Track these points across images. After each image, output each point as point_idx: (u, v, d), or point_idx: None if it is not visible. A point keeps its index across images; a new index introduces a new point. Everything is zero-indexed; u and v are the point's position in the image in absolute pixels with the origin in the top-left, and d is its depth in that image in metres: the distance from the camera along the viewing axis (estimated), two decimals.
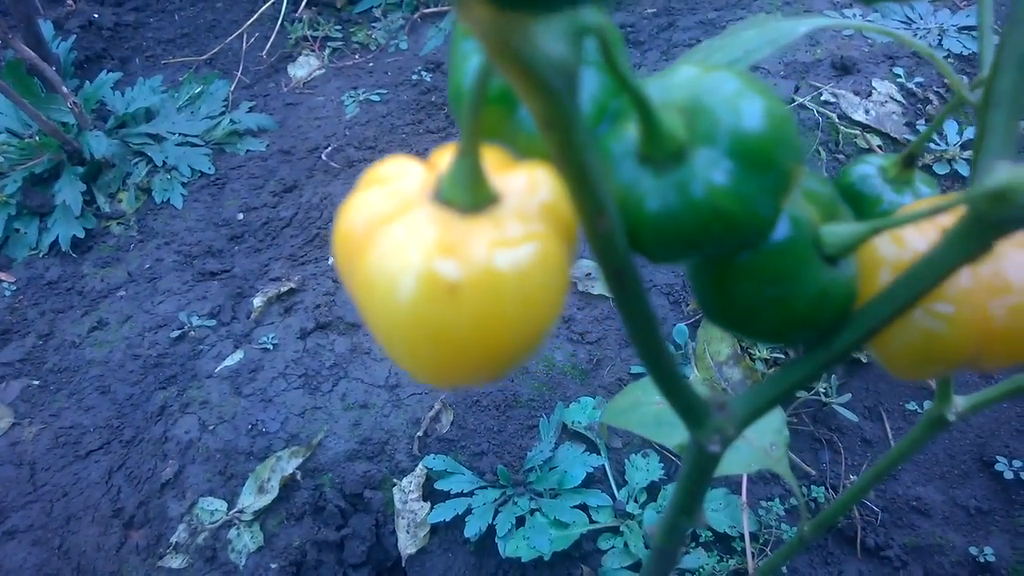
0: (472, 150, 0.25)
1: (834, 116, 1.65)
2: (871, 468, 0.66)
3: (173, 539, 1.12)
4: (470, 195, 0.26)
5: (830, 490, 1.20)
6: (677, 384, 0.37)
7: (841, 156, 1.61)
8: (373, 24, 2.15)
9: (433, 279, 0.24)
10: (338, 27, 2.14)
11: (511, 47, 0.19)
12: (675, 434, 0.71)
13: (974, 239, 0.28)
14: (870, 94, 1.69)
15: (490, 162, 0.28)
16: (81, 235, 1.61)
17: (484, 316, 0.25)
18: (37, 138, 1.69)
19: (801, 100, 1.67)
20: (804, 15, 0.43)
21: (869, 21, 1.83)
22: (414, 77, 1.93)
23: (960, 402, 0.59)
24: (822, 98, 1.69)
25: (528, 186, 0.28)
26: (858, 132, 1.62)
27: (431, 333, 0.25)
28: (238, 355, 1.32)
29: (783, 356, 1.28)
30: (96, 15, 2.19)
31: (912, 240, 0.35)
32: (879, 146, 1.61)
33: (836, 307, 0.33)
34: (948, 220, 0.31)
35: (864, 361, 1.33)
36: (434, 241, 0.25)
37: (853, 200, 0.44)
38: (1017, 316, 0.34)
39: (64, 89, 1.64)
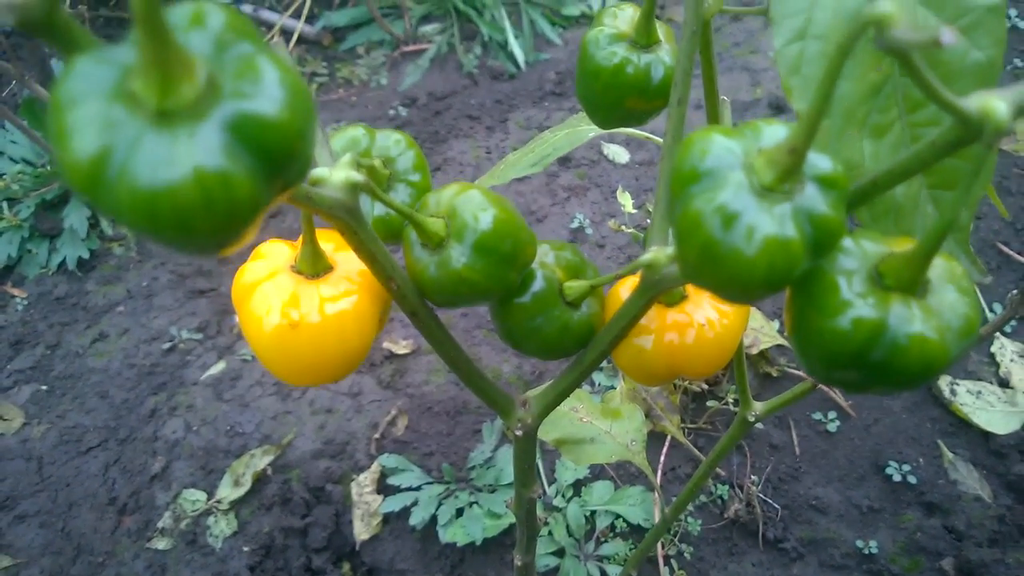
0: (310, 241, 0.43)
1: None
2: (704, 462, 0.83)
3: (160, 524, 1.29)
4: (311, 266, 0.43)
5: (735, 488, 1.36)
6: (486, 388, 0.54)
7: None
8: (357, 60, 2.34)
9: (283, 318, 0.42)
10: (324, 63, 2.33)
11: (308, 198, 0.37)
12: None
13: (644, 293, 0.46)
14: None
15: (336, 243, 0.46)
16: (86, 256, 1.79)
17: (313, 342, 0.43)
18: (49, 168, 1.87)
19: None
20: (590, 126, 0.60)
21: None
22: (391, 112, 2.11)
23: (758, 406, 0.77)
24: None
25: (354, 259, 0.45)
26: None
27: (283, 351, 0.43)
28: (221, 365, 1.50)
29: None
30: None
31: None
32: None
33: (576, 335, 0.51)
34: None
35: (774, 375, 1.49)
36: (287, 295, 0.43)
37: None
38: (698, 339, 0.51)
39: None
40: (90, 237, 1.84)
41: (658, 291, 0.45)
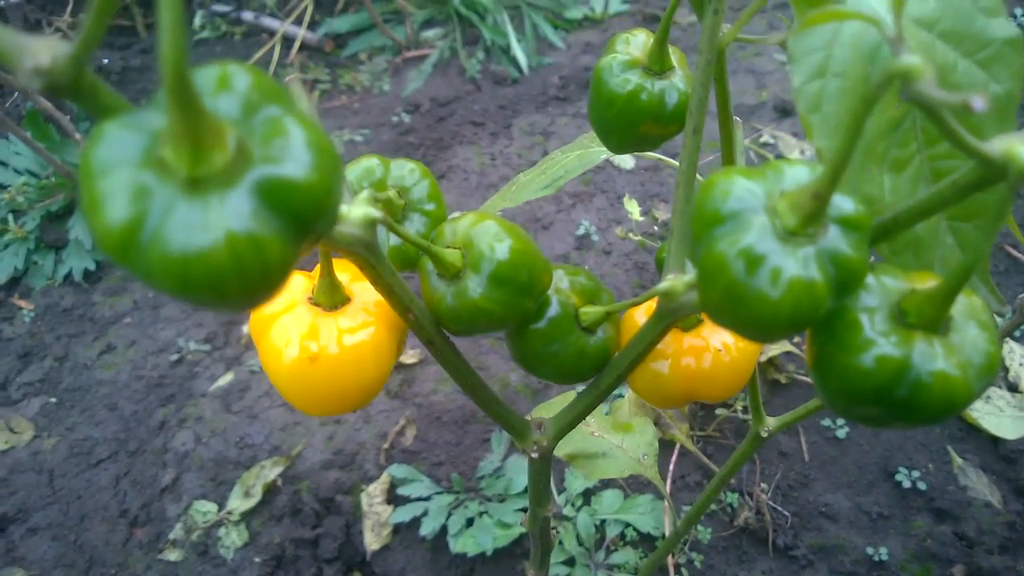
0: (328, 274, 0.43)
1: (771, 157, 1.83)
2: (716, 476, 0.83)
3: (171, 536, 1.29)
4: (329, 298, 0.44)
5: (744, 495, 1.36)
6: (501, 412, 0.54)
7: None
8: (359, 67, 2.34)
9: (302, 351, 0.42)
10: (327, 70, 2.33)
11: (328, 236, 0.37)
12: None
13: (660, 320, 0.46)
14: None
15: (352, 274, 0.46)
16: (92, 267, 1.79)
17: (333, 374, 0.43)
18: (53, 179, 1.88)
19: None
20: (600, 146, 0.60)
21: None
22: (394, 119, 2.11)
23: (771, 422, 0.77)
24: (761, 140, 1.87)
25: (371, 289, 0.45)
26: None
27: (301, 383, 0.43)
28: (229, 376, 1.50)
29: None
30: (106, 60, 2.38)
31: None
32: None
33: (592, 360, 0.51)
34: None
35: (783, 382, 1.49)
36: (306, 327, 0.43)
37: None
38: (714, 364, 0.51)
39: (77, 135, 1.83)
40: (96, 248, 1.84)
41: (675, 318, 0.45)
